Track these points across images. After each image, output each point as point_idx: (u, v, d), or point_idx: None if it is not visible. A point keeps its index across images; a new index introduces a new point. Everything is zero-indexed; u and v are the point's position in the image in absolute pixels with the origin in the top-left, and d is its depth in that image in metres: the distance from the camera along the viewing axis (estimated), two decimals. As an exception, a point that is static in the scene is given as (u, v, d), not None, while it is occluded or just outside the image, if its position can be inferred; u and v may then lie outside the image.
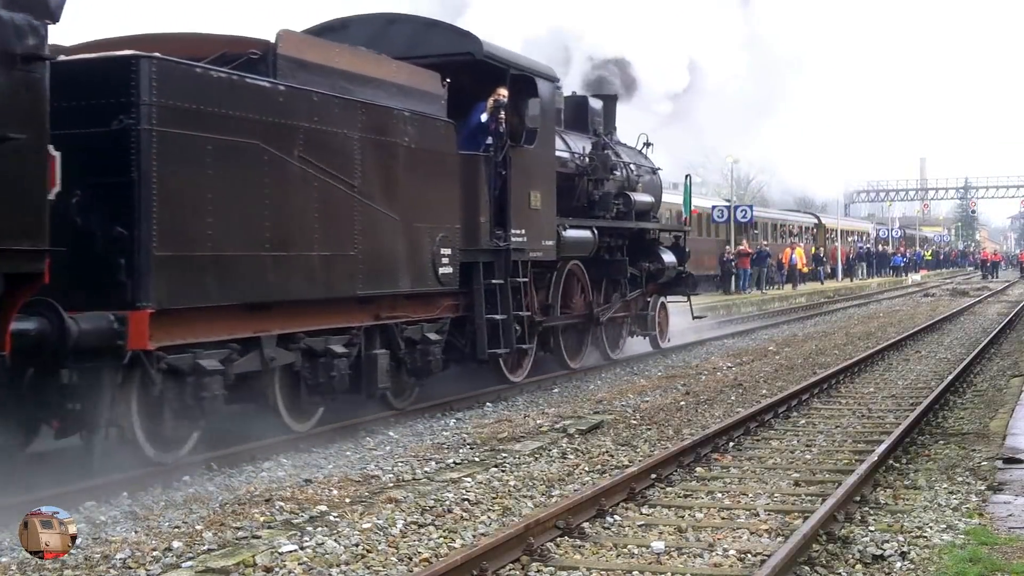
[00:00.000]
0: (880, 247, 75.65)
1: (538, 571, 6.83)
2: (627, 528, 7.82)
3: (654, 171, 20.25)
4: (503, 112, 13.53)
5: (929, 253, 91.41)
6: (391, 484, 9.08)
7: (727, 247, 41.97)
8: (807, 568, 6.87)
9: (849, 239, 70.28)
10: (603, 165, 17.15)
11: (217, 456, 9.86)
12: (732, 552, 7.16)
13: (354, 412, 11.86)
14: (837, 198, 71.41)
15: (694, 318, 21.70)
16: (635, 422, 12.08)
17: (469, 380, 14.27)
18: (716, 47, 23.34)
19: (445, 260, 12.44)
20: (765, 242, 46.34)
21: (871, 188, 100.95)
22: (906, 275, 69.26)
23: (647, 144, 20.26)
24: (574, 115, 18.03)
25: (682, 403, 13.46)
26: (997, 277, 71.59)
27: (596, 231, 16.68)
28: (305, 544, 7.21)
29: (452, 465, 9.82)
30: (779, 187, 74.20)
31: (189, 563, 6.86)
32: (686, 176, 23.61)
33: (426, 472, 9.53)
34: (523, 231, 14.01)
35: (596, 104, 18.80)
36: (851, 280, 59.63)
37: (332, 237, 10.65)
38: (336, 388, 10.83)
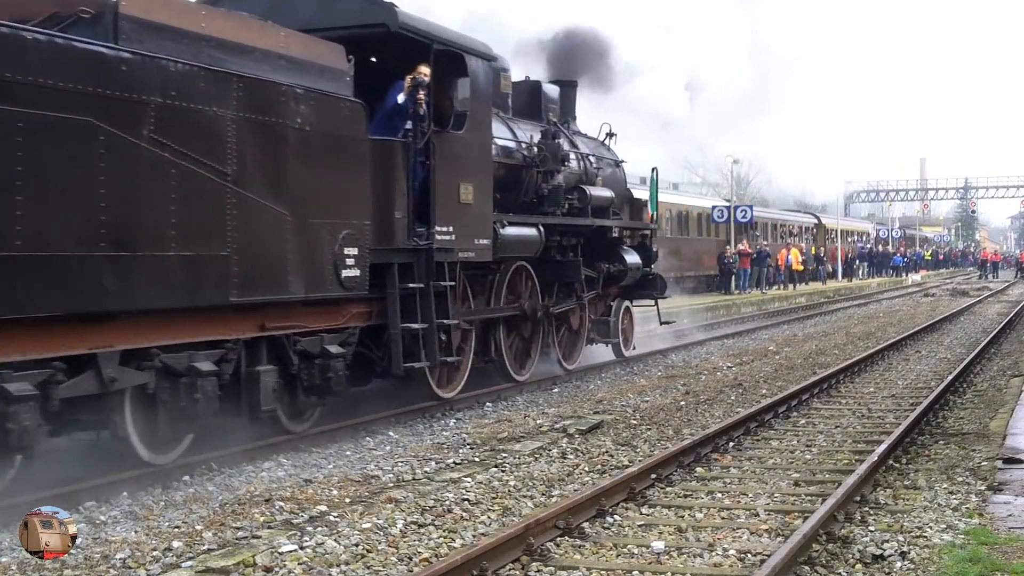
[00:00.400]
0: (880, 247, 75.66)
1: (538, 571, 6.83)
2: (627, 528, 7.82)
3: (617, 164, 18.78)
4: (422, 92, 11.72)
5: (929, 253, 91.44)
6: (391, 484, 9.08)
7: (727, 247, 41.96)
8: (807, 568, 6.87)
9: (849, 239, 70.30)
10: (554, 156, 15.44)
11: (217, 456, 9.85)
12: (732, 552, 7.16)
13: (353, 412, 11.86)
14: (837, 198, 71.55)
15: (662, 323, 20.25)
16: (635, 422, 12.08)
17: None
18: (717, 48, 23.24)
19: (350, 261, 10.71)
20: (765, 242, 46.34)
21: (871, 188, 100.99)
22: (906, 275, 69.30)
23: (610, 135, 18.80)
24: (526, 101, 16.67)
25: (682, 403, 13.46)
26: (997, 277, 71.63)
27: (543, 229, 14.98)
28: (305, 544, 7.21)
29: (452, 465, 9.82)
30: (778, 187, 74.29)
31: (189, 563, 6.85)
32: (652, 169, 21.42)
33: (426, 472, 9.53)
34: (450, 228, 12.33)
35: (551, 90, 17.39)
36: (850, 280, 59.63)
37: (196, 234, 8.98)
38: (201, 412, 9.15)
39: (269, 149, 9.81)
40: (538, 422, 12.09)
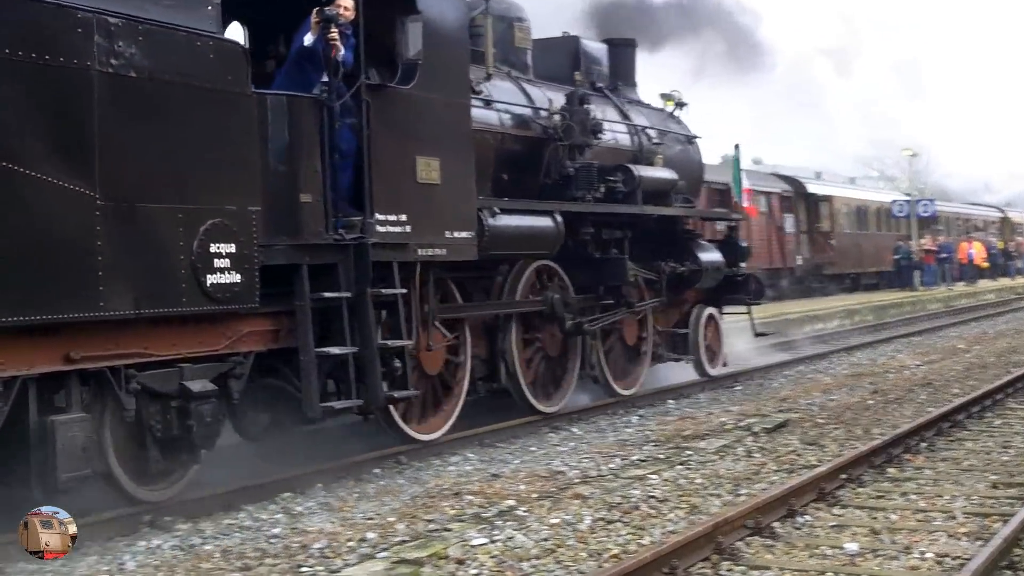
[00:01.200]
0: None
1: (729, 570, 6.76)
2: (818, 529, 7.68)
3: (689, 140, 15.65)
4: (335, 30, 8.79)
5: None
6: (577, 480, 9.12)
7: (903, 242, 40.74)
8: (1009, 573, 6.65)
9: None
10: (582, 126, 12.43)
11: (406, 450, 10.05)
12: (929, 555, 6.95)
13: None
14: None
15: (756, 335, 16.85)
16: (821, 421, 11.85)
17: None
18: (895, 33, 22.38)
19: (223, 263, 7.87)
20: (947, 237, 44.91)
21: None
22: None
23: (679, 105, 15.58)
24: (563, 63, 13.78)
25: (869, 402, 13.14)
26: None
27: (561, 218, 11.84)
28: (495, 538, 7.29)
29: (637, 462, 9.81)
30: (959, 180, 72.03)
31: (384, 554, 7.01)
32: (735, 146, 18.08)
33: (611, 469, 9.53)
34: (402, 217, 9.46)
35: (595, 49, 14.55)
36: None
37: None
38: None
39: (61, 103, 7.01)
40: (721, 420, 11.99)
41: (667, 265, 14.07)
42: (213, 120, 7.93)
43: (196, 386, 7.85)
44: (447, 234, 10.06)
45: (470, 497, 8.42)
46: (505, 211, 11.00)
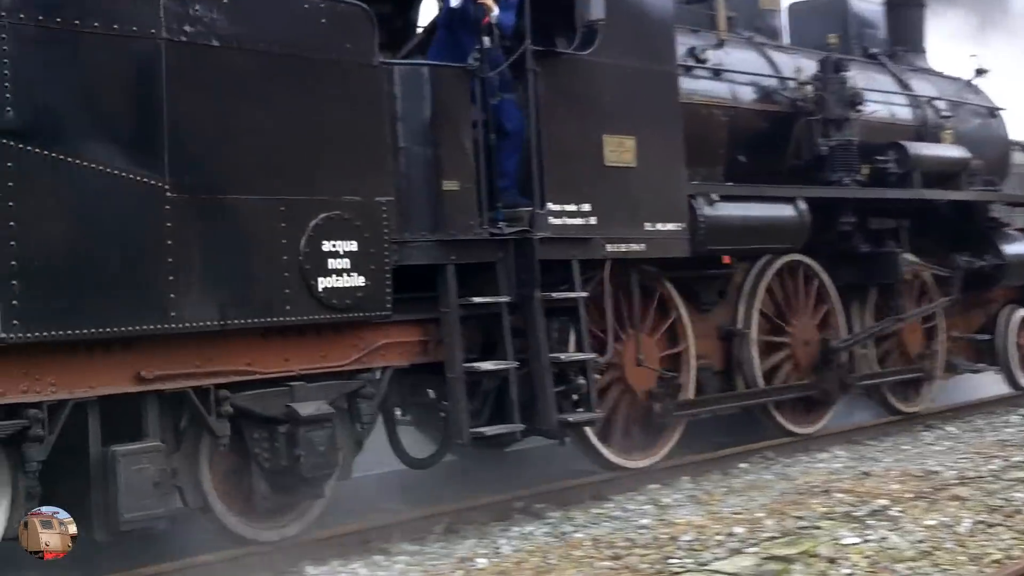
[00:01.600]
0: None
1: None
2: None
3: (992, 112, 13.49)
4: None
5: None
6: (954, 481, 8.76)
7: None
8: None
9: None
10: (838, 98, 10.73)
11: (773, 445, 9.97)
12: None
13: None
14: None
15: None
16: None
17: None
18: None
19: (340, 263, 6.74)
20: None
21: None
22: None
23: (979, 72, 13.41)
24: (825, 26, 11.98)
25: None
26: None
27: (805, 204, 10.04)
28: (868, 538, 7.11)
29: (1019, 464, 9.31)
30: None
31: (752, 549, 6.97)
32: None
33: (991, 470, 9.09)
34: (584, 206, 8.12)
35: (867, 10, 12.74)
36: None
37: None
38: None
39: (115, 80, 6.02)
40: (1114, 421, 11.24)
41: (962, 259, 11.98)
42: (326, 96, 6.79)
43: (307, 408, 6.67)
44: (647, 226, 8.57)
45: (840, 495, 8.26)
46: (727, 198, 9.36)
